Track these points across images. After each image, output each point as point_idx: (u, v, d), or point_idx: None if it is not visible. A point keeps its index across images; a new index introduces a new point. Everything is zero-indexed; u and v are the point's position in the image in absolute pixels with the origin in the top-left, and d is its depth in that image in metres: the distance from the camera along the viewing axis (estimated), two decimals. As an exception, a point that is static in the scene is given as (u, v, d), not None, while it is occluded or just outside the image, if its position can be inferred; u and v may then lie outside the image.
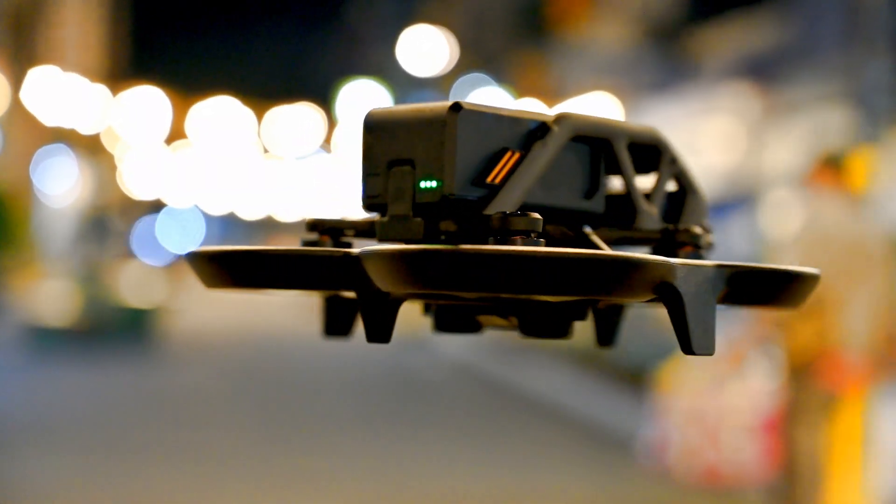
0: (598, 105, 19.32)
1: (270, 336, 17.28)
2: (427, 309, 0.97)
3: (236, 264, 0.88)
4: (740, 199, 15.40)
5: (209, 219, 44.77)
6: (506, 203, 0.87)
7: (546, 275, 0.79)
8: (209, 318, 20.14)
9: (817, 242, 5.16)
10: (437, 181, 0.87)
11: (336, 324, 0.98)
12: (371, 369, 12.94)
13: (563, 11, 22.37)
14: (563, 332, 0.94)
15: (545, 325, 0.94)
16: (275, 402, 10.53)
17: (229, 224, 45.37)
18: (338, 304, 0.97)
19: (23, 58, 27.48)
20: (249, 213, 46.13)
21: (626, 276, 0.80)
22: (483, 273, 0.79)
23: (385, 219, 0.89)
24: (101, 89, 29.39)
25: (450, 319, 0.97)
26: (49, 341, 13.61)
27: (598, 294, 0.81)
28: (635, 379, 10.24)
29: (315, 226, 0.94)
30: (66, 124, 26.22)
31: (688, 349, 0.83)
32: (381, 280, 0.82)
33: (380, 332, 0.87)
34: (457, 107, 0.87)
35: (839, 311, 4.97)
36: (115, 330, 14.25)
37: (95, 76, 32.08)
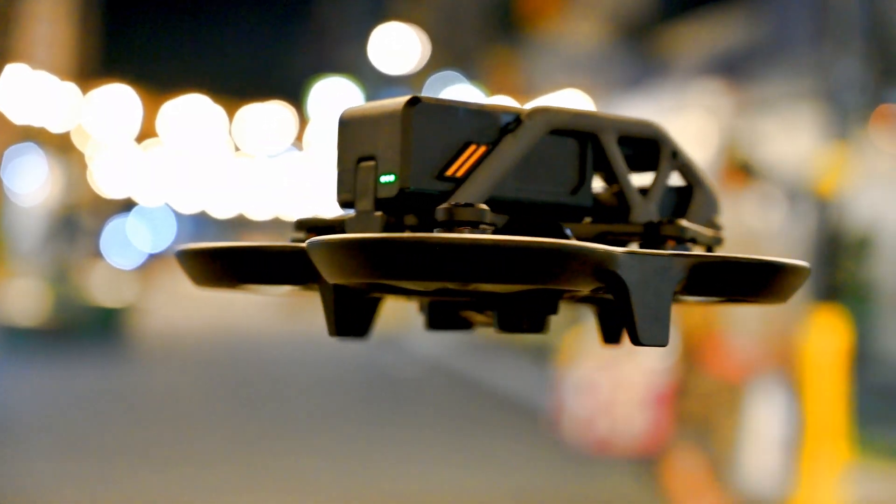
0: (570, 102, 19.36)
1: (241, 335, 17.23)
2: (421, 308, 0.98)
3: (227, 261, 0.88)
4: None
5: (180, 217, 44.64)
6: (467, 196, 0.87)
7: (478, 263, 0.78)
8: (180, 317, 20.06)
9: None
10: (395, 175, 0.87)
11: (348, 322, 0.94)
12: (344, 366, 12.91)
13: (534, 9, 22.40)
14: (538, 326, 0.94)
15: (521, 320, 0.93)
16: (246, 400, 10.50)
17: (201, 223, 45.27)
18: (349, 300, 0.93)
19: (-9, 56, 27.31)
20: (221, 212, 46.02)
21: (563, 263, 0.79)
22: (412, 261, 0.78)
23: (353, 215, 0.90)
24: (71, 88, 29.25)
25: (441, 318, 0.96)
26: (19, 340, 13.53)
27: (537, 283, 0.80)
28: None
29: (303, 224, 0.94)
30: (36, 123, 26.09)
31: (635, 340, 0.82)
32: (324, 270, 0.82)
33: (346, 326, 0.88)
34: (414, 100, 0.87)
35: None
36: (86, 329, 14.18)
37: (65, 74, 31.94)
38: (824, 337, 6.34)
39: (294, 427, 9.06)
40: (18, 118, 26.17)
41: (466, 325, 0.96)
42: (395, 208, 0.88)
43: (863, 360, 10.39)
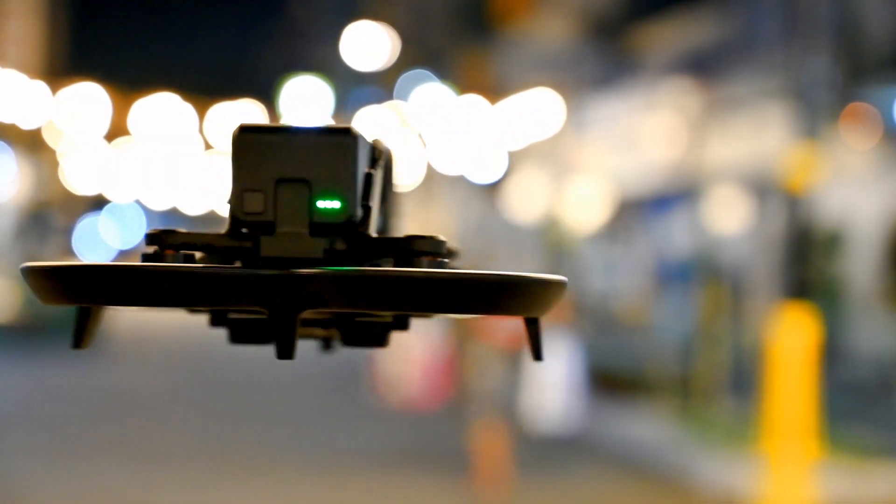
0: (540, 101, 19.37)
1: (211, 335, 17.19)
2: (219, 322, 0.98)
3: (70, 280, 0.87)
4: (682, 194, 15.51)
5: (151, 214, 44.49)
6: (376, 223, 0.93)
7: (454, 294, 0.85)
8: (151, 316, 20.00)
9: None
10: (342, 201, 0.90)
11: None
12: (310, 370, 12.91)
13: (505, 7, 22.42)
14: (382, 341, 1.00)
15: (366, 336, 0.99)
16: (214, 398, 10.48)
17: (172, 219, 45.11)
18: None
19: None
20: (192, 209, 45.88)
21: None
22: (385, 293, 0.84)
23: (272, 237, 0.90)
24: (41, 86, 29.09)
25: (245, 332, 0.97)
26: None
27: (497, 312, 0.87)
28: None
29: (155, 238, 0.92)
30: (5, 120, 25.92)
31: (279, 354, 0.85)
32: (287, 303, 0.85)
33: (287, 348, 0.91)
34: (349, 130, 0.92)
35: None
36: (56, 327, 14.12)
37: (34, 73, 31.74)
38: (794, 333, 6.38)
39: (260, 423, 9.05)
40: (-13, 116, 25.99)
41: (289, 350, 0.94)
42: (330, 233, 0.91)
43: (832, 356, 10.46)
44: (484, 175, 22.64)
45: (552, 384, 9.04)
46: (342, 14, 33.29)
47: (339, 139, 0.92)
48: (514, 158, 22.12)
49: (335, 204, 0.90)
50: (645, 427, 9.00)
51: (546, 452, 8.21)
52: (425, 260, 0.89)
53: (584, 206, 19.06)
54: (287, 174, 0.90)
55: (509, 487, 7.02)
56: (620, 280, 17.78)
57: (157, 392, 10.78)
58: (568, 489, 7.16)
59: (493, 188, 23.90)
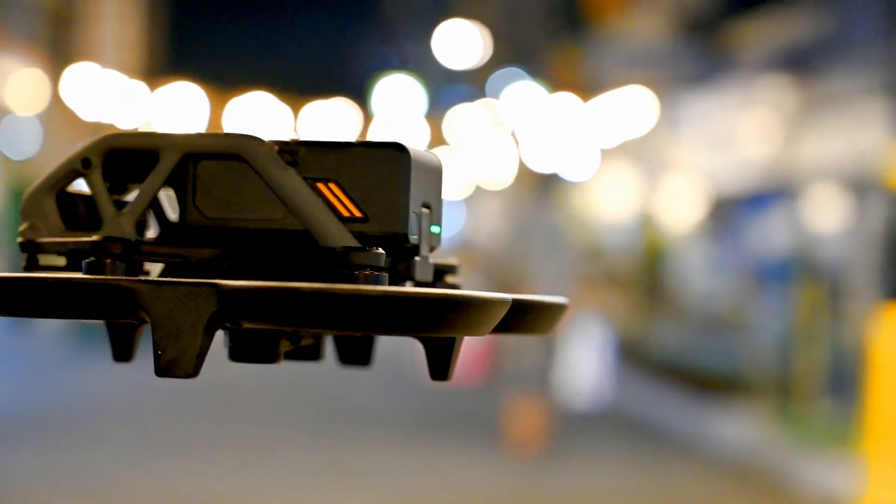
0: (633, 99, 19.26)
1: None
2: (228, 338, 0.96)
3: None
4: (778, 192, 15.35)
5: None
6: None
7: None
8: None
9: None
10: (439, 228, 0.97)
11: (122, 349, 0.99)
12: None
13: (598, 4, 22.32)
14: (367, 360, 1.01)
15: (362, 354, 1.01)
16: (303, 393, 10.58)
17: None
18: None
19: (61, 55, 27.66)
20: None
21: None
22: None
23: (418, 259, 0.96)
24: (139, 85, 29.51)
25: (247, 349, 0.95)
26: (90, 335, 13.72)
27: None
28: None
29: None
30: (105, 120, 26.38)
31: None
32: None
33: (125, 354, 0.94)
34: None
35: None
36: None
37: (133, 72, 32.22)
38: (894, 334, 6.29)
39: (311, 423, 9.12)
40: (88, 116, 26.48)
41: (272, 357, 0.93)
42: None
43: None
44: (576, 173, 22.57)
45: (585, 365, 9.74)
46: (434, 12, 33.35)
47: (441, 166, 0.94)
48: (607, 156, 22.01)
49: (437, 229, 0.94)
50: (743, 427, 8.94)
51: (580, 427, 9.09)
52: (362, 275, 0.85)
53: (678, 205, 18.93)
54: (424, 199, 0.92)
55: (541, 456, 7.75)
56: (717, 280, 17.64)
57: (248, 388, 10.91)
58: (667, 487, 7.11)
59: (548, 187, 23.82)
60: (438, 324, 0.81)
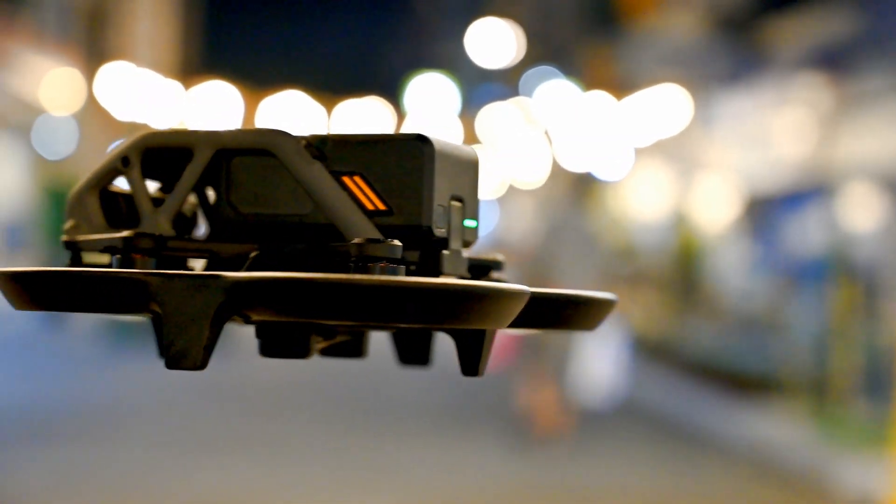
0: (667, 97, 19.19)
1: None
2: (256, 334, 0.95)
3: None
4: (814, 191, 15.26)
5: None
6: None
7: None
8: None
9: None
10: (476, 223, 0.96)
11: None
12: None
13: (632, 1, 22.25)
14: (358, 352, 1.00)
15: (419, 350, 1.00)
16: (331, 392, 10.60)
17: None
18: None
19: (96, 54, 27.83)
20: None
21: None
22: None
23: (447, 253, 0.95)
24: (174, 84, 29.66)
25: (278, 345, 0.94)
26: (124, 334, 13.78)
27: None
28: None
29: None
30: (140, 120, 26.51)
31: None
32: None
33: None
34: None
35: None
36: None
37: (168, 71, 32.36)
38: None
39: (387, 421, 9.14)
40: (122, 115, 26.62)
41: (304, 352, 0.92)
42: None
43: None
44: (610, 172, 22.52)
45: (602, 361, 10.17)
46: (467, 11, 33.34)
47: (477, 160, 0.94)
48: (641, 155, 21.95)
49: (473, 223, 0.93)
50: (776, 427, 8.89)
51: (600, 422, 9.43)
52: (377, 267, 0.84)
53: (712, 204, 18.85)
54: (454, 192, 0.92)
55: (562, 444, 8.19)
56: (751, 279, 17.56)
57: (281, 387, 10.94)
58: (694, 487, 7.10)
59: (581, 186, 23.76)
60: (443, 314, 0.80)
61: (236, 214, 0.91)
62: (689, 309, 16.03)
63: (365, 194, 0.89)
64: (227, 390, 10.54)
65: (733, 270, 18.07)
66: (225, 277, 0.80)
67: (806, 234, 15.37)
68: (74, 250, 0.93)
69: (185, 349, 0.82)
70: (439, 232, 0.89)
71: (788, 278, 14.66)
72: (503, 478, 7.16)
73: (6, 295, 0.88)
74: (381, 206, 0.88)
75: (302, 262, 0.89)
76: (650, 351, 13.54)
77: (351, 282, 0.78)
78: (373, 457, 7.59)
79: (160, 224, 0.91)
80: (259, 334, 0.92)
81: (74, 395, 9.91)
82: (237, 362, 9.67)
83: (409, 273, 0.90)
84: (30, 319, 16.20)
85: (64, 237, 0.93)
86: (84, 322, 15.81)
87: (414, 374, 11.39)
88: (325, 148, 0.89)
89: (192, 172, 0.91)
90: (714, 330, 15.49)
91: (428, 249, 0.91)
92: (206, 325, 0.81)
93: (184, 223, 0.96)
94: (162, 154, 0.93)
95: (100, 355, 12.74)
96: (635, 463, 7.82)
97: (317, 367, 12.49)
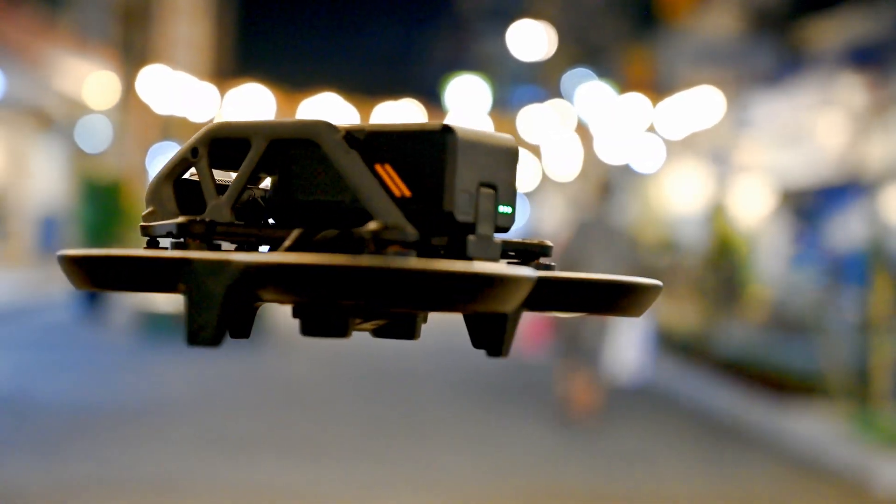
0: (704, 97, 19.10)
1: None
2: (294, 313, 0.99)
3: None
4: (853, 190, 15.16)
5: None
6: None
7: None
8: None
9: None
10: (511, 208, 1.00)
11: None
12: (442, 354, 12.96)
13: (669, 3, 22.18)
14: (410, 333, 1.03)
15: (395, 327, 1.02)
16: (374, 391, 10.59)
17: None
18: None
19: (134, 57, 28.01)
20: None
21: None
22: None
23: (472, 238, 0.97)
24: (209, 87, 29.82)
25: (317, 324, 0.97)
26: (160, 327, 13.83)
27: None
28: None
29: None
30: (176, 121, 26.70)
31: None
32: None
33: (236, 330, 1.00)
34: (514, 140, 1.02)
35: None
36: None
37: (203, 74, 32.51)
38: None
39: (420, 416, 9.13)
40: (159, 116, 26.76)
41: (342, 331, 0.96)
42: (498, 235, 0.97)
43: None
44: (646, 170, 22.47)
45: (631, 346, 10.88)
46: (504, 14, 33.34)
47: (512, 145, 0.98)
48: (677, 152, 21.88)
49: (507, 209, 0.97)
50: (818, 425, 8.81)
51: (625, 402, 10.13)
52: (390, 251, 0.89)
53: (750, 202, 18.76)
54: (484, 179, 0.96)
55: (593, 424, 8.85)
56: (789, 276, 17.45)
57: (318, 382, 10.95)
58: (744, 486, 7.04)
59: (613, 183, 23.74)
60: (439, 298, 0.84)
61: (288, 201, 0.97)
62: (726, 305, 15.95)
63: (394, 181, 0.94)
64: (273, 383, 10.56)
65: (771, 267, 17.97)
66: (235, 261, 0.86)
67: (844, 231, 15.27)
68: (147, 236, 1.00)
69: (201, 327, 0.88)
70: (463, 217, 0.93)
71: (826, 275, 14.56)
72: (539, 450, 7.80)
73: (68, 275, 0.95)
74: (408, 193, 0.94)
75: (329, 246, 0.96)
76: (686, 346, 13.47)
77: (343, 265, 0.83)
78: (434, 427, 8.20)
79: (223, 211, 0.98)
80: (297, 315, 0.96)
81: (113, 390, 9.94)
82: (280, 355, 9.70)
83: (435, 257, 0.96)
84: (69, 312, 16.30)
85: (141, 223, 1.00)
86: (122, 315, 15.89)
87: (464, 357, 12.10)
88: (360, 138, 0.96)
89: (249, 162, 0.98)
90: (751, 326, 15.40)
91: (455, 235, 0.95)
92: (218, 305, 0.87)
93: (250, 209, 1.02)
94: (228, 145, 1.00)
95: (138, 350, 12.79)
96: (670, 458, 7.77)
97: (365, 355, 12.51)
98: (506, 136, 0.99)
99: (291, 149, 0.97)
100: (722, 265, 16.33)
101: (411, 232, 0.89)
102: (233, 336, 1.00)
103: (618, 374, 10.70)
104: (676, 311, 16.44)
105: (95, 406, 8.75)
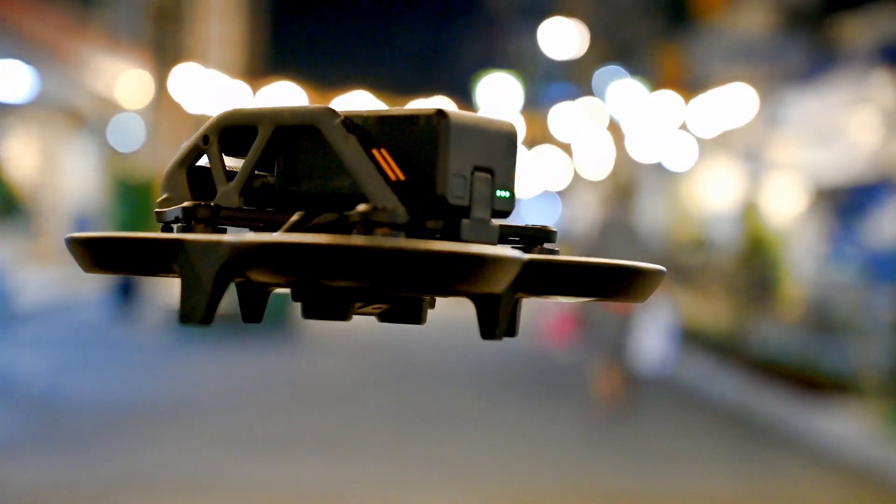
0: (737, 94, 19.01)
1: (399, 326, 17.39)
2: (294, 297, 1.01)
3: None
4: (886, 187, 15.07)
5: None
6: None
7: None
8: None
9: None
10: (509, 193, 1.00)
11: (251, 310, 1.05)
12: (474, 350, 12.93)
13: (702, 0, 22.09)
14: (416, 318, 1.03)
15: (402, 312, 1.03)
16: (402, 386, 10.59)
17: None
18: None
19: (167, 55, 28.12)
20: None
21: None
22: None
23: (467, 222, 0.97)
24: (241, 85, 29.92)
25: (318, 307, 0.99)
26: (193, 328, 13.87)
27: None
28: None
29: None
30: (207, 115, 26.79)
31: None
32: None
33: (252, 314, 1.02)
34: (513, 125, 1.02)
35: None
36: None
37: (235, 72, 32.61)
38: None
39: (450, 412, 9.11)
40: (192, 113, 26.86)
41: (343, 314, 0.97)
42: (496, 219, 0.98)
43: None
44: (679, 164, 22.41)
45: (654, 337, 11.21)
46: (536, 11, 33.30)
47: (509, 129, 0.99)
48: (709, 150, 21.80)
49: (506, 193, 0.98)
50: (851, 425, 8.75)
51: (649, 395, 10.34)
52: (379, 232, 0.90)
53: (783, 201, 18.66)
54: (479, 163, 0.97)
55: (619, 414, 9.20)
56: (822, 274, 17.36)
57: (347, 380, 10.95)
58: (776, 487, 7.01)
59: (641, 182, 23.54)
60: (426, 278, 0.85)
61: (292, 186, 0.99)
62: (759, 304, 15.87)
63: (389, 165, 0.95)
64: (303, 380, 10.58)
65: (804, 265, 17.87)
66: (225, 242, 0.88)
67: (878, 229, 15.16)
68: (161, 221, 1.02)
69: (193, 307, 0.90)
70: (456, 201, 0.94)
71: (860, 273, 14.47)
72: (568, 438, 8.16)
73: (75, 258, 0.98)
74: (402, 177, 0.95)
75: (324, 229, 0.97)
76: (719, 345, 13.41)
77: (326, 244, 0.84)
78: (460, 424, 8.38)
79: (231, 196, 0.99)
80: (297, 298, 0.97)
81: (144, 387, 9.98)
82: (310, 352, 9.71)
83: (426, 239, 0.96)
84: (102, 311, 16.38)
85: (156, 209, 1.02)
86: (154, 313, 15.95)
87: (491, 353, 12.68)
88: (359, 123, 0.97)
89: (255, 148, 1.00)
90: (783, 325, 15.31)
91: (449, 218, 0.96)
92: (209, 285, 0.89)
93: (262, 195, 1.02)
94: (237, 132, 1.02)
95: (169, 348, 12.84)
96: (702, 456, 7.74)
97: (372, 356, 12.52)
98: (504, 121, 1.00)
99: (296, 135, 0.99)
100: (755, 264, 16.27)
101: (401, 213, 0.90)
102: (245, 320, 1.03)
103: (642, 365, 11.01)
104: (709, 309, 16.36)
105: (127, 404, 8.78)
